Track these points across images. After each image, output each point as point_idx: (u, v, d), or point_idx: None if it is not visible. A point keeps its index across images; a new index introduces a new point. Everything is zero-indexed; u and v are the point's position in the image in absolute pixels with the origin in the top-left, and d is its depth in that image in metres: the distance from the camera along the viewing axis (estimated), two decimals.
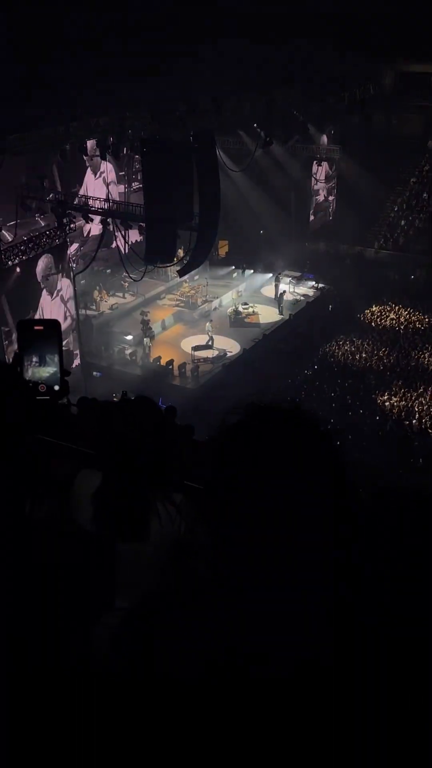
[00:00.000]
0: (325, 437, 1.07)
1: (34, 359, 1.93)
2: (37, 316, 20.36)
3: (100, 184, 28.18)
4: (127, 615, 1.20)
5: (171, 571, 2.63)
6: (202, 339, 26.29)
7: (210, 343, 25.80)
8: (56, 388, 1.94)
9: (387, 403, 22.81)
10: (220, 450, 1.07)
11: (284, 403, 1.13)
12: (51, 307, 21.88)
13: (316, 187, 34.47)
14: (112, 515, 2.54)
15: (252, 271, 32.52)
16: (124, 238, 23.50)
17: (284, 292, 30.22)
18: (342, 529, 1.01)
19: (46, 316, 20.11)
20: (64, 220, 21.75)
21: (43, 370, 1.94)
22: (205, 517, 1.08)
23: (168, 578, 2.62)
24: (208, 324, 26.56)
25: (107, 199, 25.21)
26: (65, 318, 22.61)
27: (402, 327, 28.52)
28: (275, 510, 0.98)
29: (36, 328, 1.95)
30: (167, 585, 2.57)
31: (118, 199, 26.43)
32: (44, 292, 21.43)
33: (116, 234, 23.42)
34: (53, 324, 1.98)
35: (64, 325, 21.61)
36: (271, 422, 1.06)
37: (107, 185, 28.21)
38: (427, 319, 28.82)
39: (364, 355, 26.39)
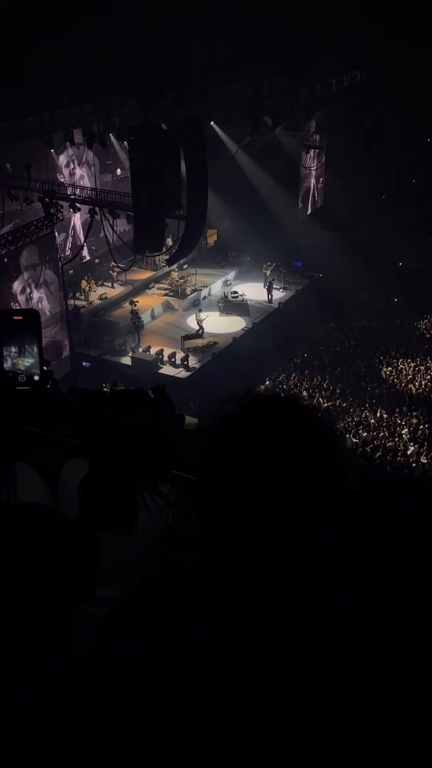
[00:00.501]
0: (324, 426, 1.06)
1: (13, 350, 1.91)
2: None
3: (86, 173, 28.02)
4: (113, 604, 1.19)
5: (158, 560, 2.63)
6: (191, 328, 26.25)
7: (200, 332, 25.76)
8: (36, 378, 1.92)
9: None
10: (219, 439, 1.05)
11: (280, 392, 1.13)
12: (35, 298, 21.79)
13: (304, 175, 34.36)
14: (98, 507, 2.53)
15: (250, 261, 32.43)
16: (111, 227, 23.35)
17: (273, 280, 30.19)
18: (339, 517, 1.00)
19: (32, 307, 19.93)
20: (51, 210, 21.59)
21: (22, 361, 1.92)
22: (199, 507, 1.07)
23: (155, 568, 2.62)
24: (197, 313, 26.50)
25: (94, 188, 25.06)
26: (55, 308, 22.52)
27: None
28: (273, 499, 0.97)
29: (15, 318, 1.93)
30: (154, 574, 2.57)
31: (103, 188, 26.26)
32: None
33: (104, 223, 23.27)
34: (32, 314, 1.96)
35: (45, 318, 21.53)
36: (268, 411, 1.05)
37: (94, 174, 28.03)
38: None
39: (354, 342, 26.47)
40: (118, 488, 2.54)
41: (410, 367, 24.54)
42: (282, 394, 1.10)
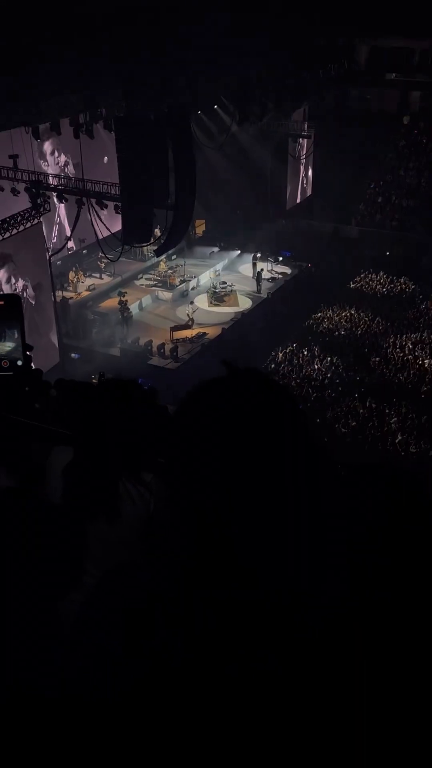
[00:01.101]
0: (289, 401, 1.05)
1: None
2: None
3: (72, 162, 27.83)
4: (95, 590, 1.19)
5: (141, 548, 2.64)
6: (180, 319, 26.21)
7: (190, 323, 25.71)
8: (19, 363, 1.91)
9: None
10: (182, 416, 1.04)
11: (239, 369, 1.12)
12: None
13: (292, 164, 34.30)
14: (82, 495, 2.53)
15: (238, 252, 32.36)
16: (99, 217, 23.23)
17: (262, 270, 30.17)
18: (312, 498, 0.99)
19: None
20: (38, 200, 21.45)
21: (3, 345, 1.91)
22: (172, 489, 1.06)
23: (138, 555, 2.63)
24: (188, 306, 26.39)
25: (81, 179, 24.90)
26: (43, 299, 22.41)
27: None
28: (237, 478, 0.97)
29: None
30: (137, 561, 2.58)
31: (90, 179, 26.10)
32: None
33: (91, 214, 23.15)
34: (13, 298, 1.94)
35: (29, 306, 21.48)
36: (228, 387, 1.05)
37: (81, 164, 27.85)
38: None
39: (343, 333, 26.51)
40: (102, 477, 2.54)
41: (398, 357, 24.62)
42: (239, 370, 1.09)
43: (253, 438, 0.99)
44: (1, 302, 1.91)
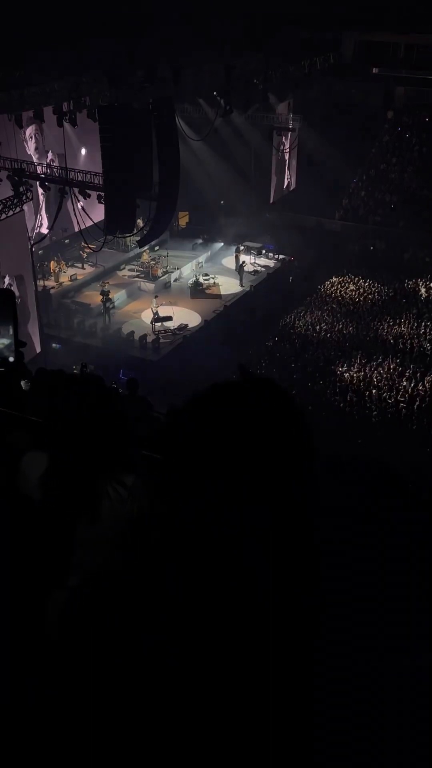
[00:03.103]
0: (298, 411, 1.06)
1: None
2: None
3: (55, 151, 27.60)
4: (77, 592, 1.19)
5: (123, 550, 2.62)
6: (162, 311, 26.08)
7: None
8: (11, 359, 1.89)
9: (346, 374, 23.05)
10: (190, 420, 1.05)
11: (255, 375, 1.12)
12: None
13: (276, 157, 34.26)
14: (60, 497, 2.50)
15: (221, 244, 32.30)
16: (82, 207, 23.09)
17: (244, 263, 30.15)
18: (305, 499, 1.00)
19: None
20: (21, 188, 21.26)
21: None
22: (167, 488, 1.06)
23: (120, 557, 2.61)
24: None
25: (64, 167, 24.70)
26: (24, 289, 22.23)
27: (362, 298, 28.71)
28: (237, 477, 0.97)
29: None
30: (118, 563, 2.56)
31: (73, 168, 25.93)
32: None
33: (74, 203, 23.00)
34: (6, 294, 1.92)
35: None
36: (243, 393, 1.05)
37: (64, 153, 27.64)
38: (387, 290, 29.07)
39: (324, 326, 26.57)
40: (79, 476, 2.52)
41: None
42: (255, 377, 1.10)
43: (263, 444, 1.00)
44: None
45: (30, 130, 26.19)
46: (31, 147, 26.69)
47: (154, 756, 0.98)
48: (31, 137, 26.68)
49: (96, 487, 2.56)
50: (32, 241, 23.83)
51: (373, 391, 21.84)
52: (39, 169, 24.02)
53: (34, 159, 25.85)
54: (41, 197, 25.79)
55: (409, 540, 1.14)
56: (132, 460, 2.65)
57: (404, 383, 22.02)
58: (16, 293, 21.70)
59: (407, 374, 22.56)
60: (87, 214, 23.37)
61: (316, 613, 0.99)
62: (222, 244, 32.34)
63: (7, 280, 21.53)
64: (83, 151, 27.99)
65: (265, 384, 1.07)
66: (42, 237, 25.27)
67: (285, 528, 0.97)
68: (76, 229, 25.57)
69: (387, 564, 1.10)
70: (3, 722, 1.09)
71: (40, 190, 24.60)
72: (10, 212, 20.98)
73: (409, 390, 21.56)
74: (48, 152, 27.37)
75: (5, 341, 1.90)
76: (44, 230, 26.56)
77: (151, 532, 2.63)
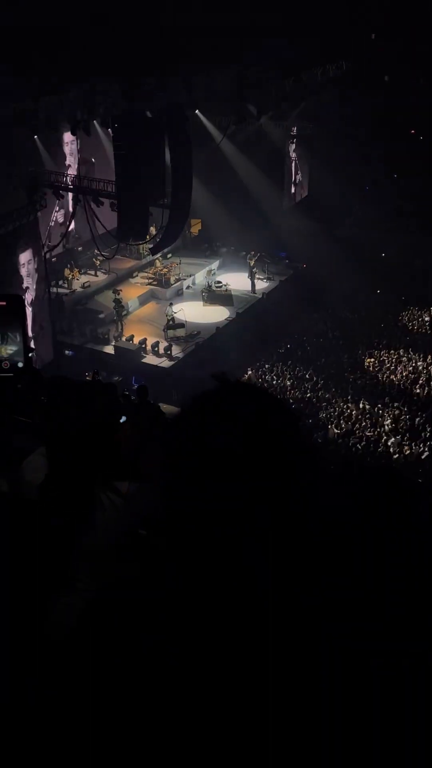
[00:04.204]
0: (291, 415, 1.07)
1: None
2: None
3: (68, 160, 27.77)
4: (90, 600, 1.19)
5: (126, 558, 2.63)
6: (176, 318, 26.11)
7: (171, 323, 25.47)
8: (20, 365, 1.90)
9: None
10: (184, 422, 1.06)
11: (251, 380, 1.13)
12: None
13: (289, 164, 34.27)
14: (59, 501, 2.51)
15: (234, 251, 32.32)
16: (95, 215, 23.20)
17: (255, 269, 30.13)
18: (303, 504, 1.01)
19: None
20: (35, 196, 21.40)
21: (5, 348, 1.89)
22: (164, 494, 1.07)
23: (118, 562, 2.62)
24: (169, 308, 26.19)
25: (78, 175, 24.86)
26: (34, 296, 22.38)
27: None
28: (235, 484, 0.98)
29: None
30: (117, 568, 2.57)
31: (87, 176, 26.06)
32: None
33: (87, 211, 23.11)
34: (16, 300, 1.92)
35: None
36: (229, 397, 1.06)
37: (77, 162, 27.80)
38: None
39: (337, 333, 26.53)
40: (76, 484, 2.52)
41: (392, 358, 24.66)
42: (252, 384, 1.11)
43: (249, 447, 1.00)
44: (3, 303, 1.89)
45: (68, 137, 26.42)
46: (66, 152, 26.94)
47: (154, 756, 0.98)
48: (67, 144, 26.93)
49: (91, 495, 2.57)
50: (46, 249, 23.96)
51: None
52: (53, 178, 24.10)
53: (49, 168, 26.01)
54: (56, 205, 25.92)
55: (409, 539, 1.14)
56: (125, 468, 2.66)
57: None
58: (30, 298, 21.87)
59: None
60: (101, 222, 23.48)
61: (316, 614, 0.99)
62: (234, 250, 32.36)
63: (25, 284, 21.71)
64: (99, 158, 28.18)
65: (243, 387, 1.07)
66: (56, 244, 25.36)
67: (285, 528, 0.98)
68: (90, 237, 25.68)
69: (388, 563, 1.11)
70: (3, 722, 1.10)
71: (57, 200, 24.70)
72: (25, 219, 21.14)
73: None
74: (67, 163, 27.54)
75: (14, 347, 1.90)
76: (58, 238, 26.65)
77: (149, 537, 2.65)
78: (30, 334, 21.18)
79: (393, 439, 19.18)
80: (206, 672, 0.98)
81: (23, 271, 22.10)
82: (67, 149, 27.29)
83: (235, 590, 0.97)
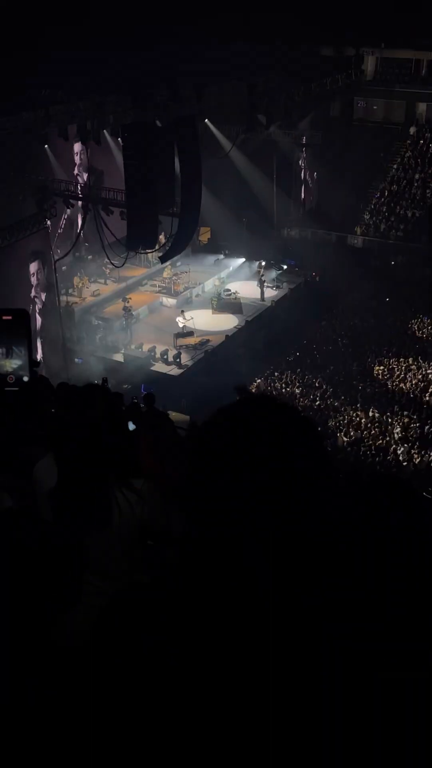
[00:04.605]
0: (315, 432, 1.07)
1: (1, 351, 1.88)
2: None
3: (78, 169, 27.94)
4: (104, 604, 1.20)
5: (137, 556, 2.64)
6: (186, 326, 26.17)
7: (181, 331, 25.55)
8: (25, 379, 1.89)
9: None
10: (209, 435, 1.06)
11: (272, 392, 1.13)
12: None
13: (298, 173, 34.33)
14: (71, 506, 2.52)
15: (243, 260, 32.37)
16: (105, 224, 23.29)
17: (264, 277, 30.15)
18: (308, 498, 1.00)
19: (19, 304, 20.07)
20: (45, 206, 21.53)
21: (9, 363, 1.89)
22: (185, 500, 1.07)
23: (135, 564, 2.62)
24: (181, 316, 26.28)
25: (87, 185, 24.98)
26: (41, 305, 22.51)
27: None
28: (259, 495, 0.98)
29: (4, 318, 1.90)
30: (136, 572, 2.57)
31: (96, 185, 26.21)
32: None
33: (97, 220, 23.20)
34: (21, 314, 1.92)
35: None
36: (259, 411, 1.06)
37: (87, 171, 27.97)
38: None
39: (346, 341, 26.49)
40: (89, 487, 2.54)
41: (402, 366, 24.59)
42: (275, 397, 1.12)
43: (271, 461, 1.00)
44: (9, 317, 1.89)
45: (77, 147, 26.59)
46: (76, 161, 27.11)
47: (154, 756, 0.98)
48: (77, 153, 27.11)
49: (107, 492, 2.59)
50: (56, 257, 24.08)
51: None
52: (63, 186, 24.23)
53: (60, 177, 26.16)
54: (65, 213, 26.05)
55: (410, 539, 1.15)
56: (138, 467, 2.67)
57: None
58: (40, 307, 21.99)
59: None
60: (110, 231, 23.57)
61: (317, 614, 0.99)
62: (243, 259, 32.39)
63: (34, 293, 21.81)
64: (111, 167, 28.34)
65: (264, 401, 1.08)
66: (65, 253, 25.47)
67: (286, 528, 0.98)
68: (99, 246, 25.78)
69: (388, 564, 1.11)
70: (3, 722, 1.10)
71: (66, 208, 24.83)
72: (35, 228, 21.26)
73: None
74: (76, 172, 27.71)
75: (19, 361, 1.90)
76: (68, 246, 26.78)
77: (160, 534, 2.66)
78: (39, 342, 21.26)
79: (402, 447, 19.12)
80: (207, 673, 0.98)
81: (33, 280, 22.25)
82: (77, 158, 27.49)
83: (236, 590, 0.97)
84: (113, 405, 2.66)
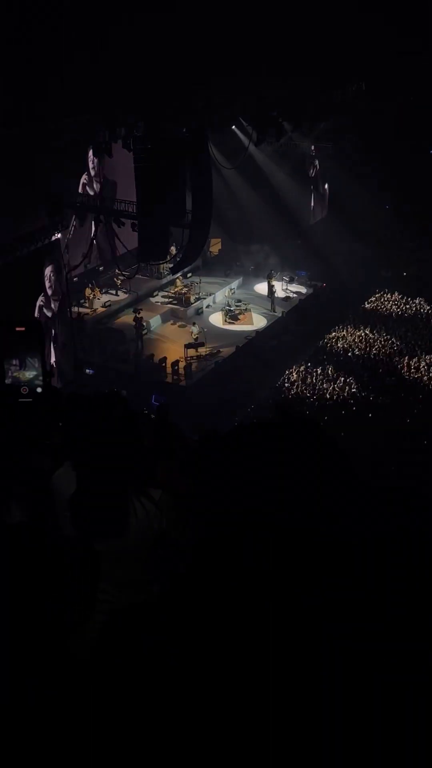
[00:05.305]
0: (336, 449, 1.11)
1: (15, 362, 1.89)
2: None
3: (90, 180, 28.15)
4: (116, 615, 1.24)
5: (153, 566, 2.64)
6: (197, 337, 26.28)
7: (192, 342, 25.70)
8: (39, 389, 1.91)
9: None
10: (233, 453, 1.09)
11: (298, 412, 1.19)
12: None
13: (309, 184, 34.46)
14: (87, 514, 2.55)
15: (254, 271, 32.54)
16: (116, 235, 23.48)
17: (276, 289, 30.26)
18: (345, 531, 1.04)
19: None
20: (56, 217, 21.70)
21: (24, 374, 1.91)
22: (197, 510, 1.11)
23: (146, 569, 2.64)
24: (192, 326, 26.38)
25: (99, 197, 25.16)
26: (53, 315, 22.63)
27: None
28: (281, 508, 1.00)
29: (17, 329, 1.91)
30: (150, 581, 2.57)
31: (107, 196, 26.40)
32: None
33: (108, 231, 23.42)
34: (35, 325, 1.94)
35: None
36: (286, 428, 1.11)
37: (99, 182, 28.18)
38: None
39: (357, 352, 26.48)
40: (106, 496, 2.57)
41: (413, 377, 24.60)
42: (300, 417, 1.16)
43: (303, 481, 1.05)
44: (22, 328, 1.90)
45: (90, 158, 26.84)
46: (90, 173, 27.37)
47: (154, 756, 0.99)
48: (89, 164, 27.36)
49: (126, 502, 2.61)
50: (67, 268, 24.25)
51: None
52: (90, 199, 24.40)
53: (88, 186, 26.40)
54: (76, 225, 26.25)
55: (410, 539, 1.15)
56: (155, 476, 2.69)
57: None
58: (52, 317, 22.12)
59: None
60: (121, 242, 23.74)
61: (317, 614, 1.00)
62: (254, 270, 32.53)
63: (46, 303, 21.94)
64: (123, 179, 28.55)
65: (306, 424, 1.13)
66: (77, 264, 25.68)
67: (286, 529, 0.99)
68: (110, 257, 25.99)
69: (389, 564, 1.12)
70: (3, 722, 1.12)
71: (77, 220, 25.04)
72: (46, 240, 21.42)
73: None
74: (87, 184, 27.93)
75: (33, 372, 1.92)
76: (79, 258, 27.00)
77: (175, 545, 2.67)
78: (52, 353, 21.41)
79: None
80: (207, 673, 1.00)
81: (47, 284, 22.37)
82: (89, 170, 27.71)
83: (236, 591, 0.99)
84: (132, 413, 2.68)
